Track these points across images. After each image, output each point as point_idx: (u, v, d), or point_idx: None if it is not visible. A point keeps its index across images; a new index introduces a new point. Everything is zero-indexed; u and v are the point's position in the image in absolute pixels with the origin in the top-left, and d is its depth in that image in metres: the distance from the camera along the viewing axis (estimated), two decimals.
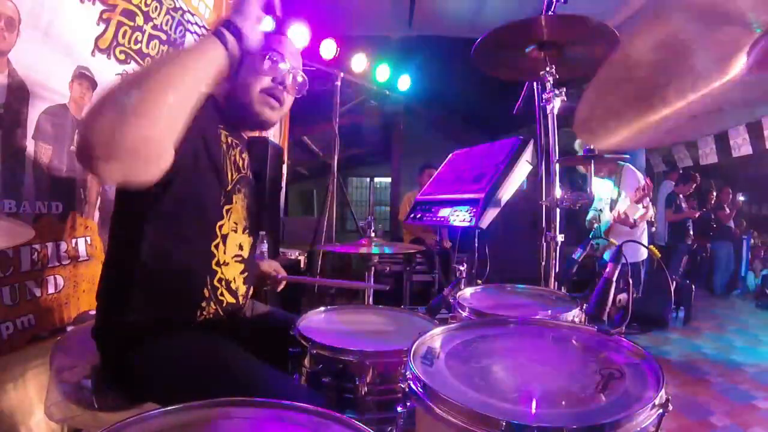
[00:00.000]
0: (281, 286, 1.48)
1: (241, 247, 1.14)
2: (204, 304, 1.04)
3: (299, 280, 1.44)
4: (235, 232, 1.11)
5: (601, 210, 3.50)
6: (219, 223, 1.06)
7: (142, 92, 0.68)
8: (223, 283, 1.08)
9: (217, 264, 1.06)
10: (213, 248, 1.05)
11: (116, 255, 1.05)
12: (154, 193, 0.92)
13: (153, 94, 0.68)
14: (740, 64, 0.51)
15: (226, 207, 1.08)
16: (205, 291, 1.04)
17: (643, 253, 3.37)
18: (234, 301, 1.11)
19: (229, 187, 1.09)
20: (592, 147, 1.70)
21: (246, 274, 1.15)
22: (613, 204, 3.35)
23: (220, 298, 1.07)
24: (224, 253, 1.08)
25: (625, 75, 0.63)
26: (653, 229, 4.18)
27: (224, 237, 1.08)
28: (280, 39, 1.14)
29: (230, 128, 1.13)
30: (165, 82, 0.70)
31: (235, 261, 1.12)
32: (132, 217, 0.99)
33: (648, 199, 3.28)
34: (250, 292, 1.20)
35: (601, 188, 3.43)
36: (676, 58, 0.56)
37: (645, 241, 3.69)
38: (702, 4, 0.50)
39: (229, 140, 1.11)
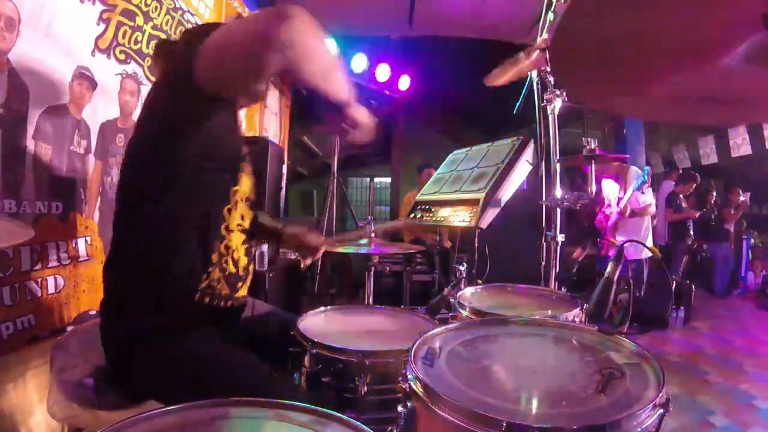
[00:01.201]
0: (320, 253, 1.46)
1: (243, 218, 1.15)
2: (210, 269, 1.05)
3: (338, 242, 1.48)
4: (242, 201, 1.13)
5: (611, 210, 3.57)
6: (234, 189, 1.08)
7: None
8: (229, 250, 1.09)
9: (227, 229, 1.08)
10: (226, 212, 1.07)
11: (128, 220, 1.04)
12: (183, 145, 0.95)
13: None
14: (739, 49, 0.51)
15: (239, 174, 1.11)
16: (214, 256, 1.05)
17: (647, 251, 3.41)
18: (235, 270, 1.11)
19: (242, 155, 1.13)
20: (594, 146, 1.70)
21: (246, 245, 1.16)
22: (619, 201, 3.45)
23: (224, 265, 1.08)
24: (233, 219, 1.10)
25: (621, 30, 0.62)
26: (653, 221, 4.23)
27: (236, 204, 1.10)
28: None
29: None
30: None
31: (239, 230, 1.13)
32: (153, 174, 0.98)
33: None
34: (251, 268, 1.20)
35: (610, 188, 3.52)
36: (673, 29, 0.56)
37: (649, 242, 3.72)
38: None
39: (236, 112, 1.15)
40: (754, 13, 0.48)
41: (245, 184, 1.14)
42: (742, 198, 5.87)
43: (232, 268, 1.10)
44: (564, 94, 1.64)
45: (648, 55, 0.59)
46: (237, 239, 1.12)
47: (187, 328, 1.00)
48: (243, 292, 1.16)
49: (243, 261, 1.14)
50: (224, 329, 1.07)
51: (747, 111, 0.73)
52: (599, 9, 0.58)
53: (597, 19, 0.60)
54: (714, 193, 6.15)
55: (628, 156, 3.45)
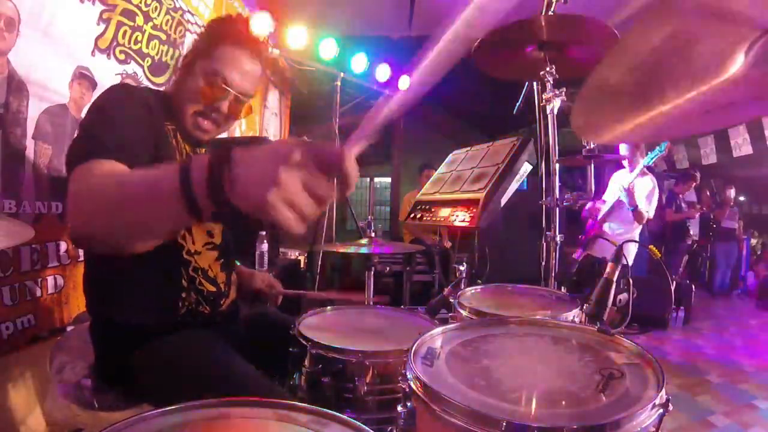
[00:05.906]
0: (278, 301, 1.48)
1: (210, 234, 1.12)
2: (184, 294, 1.04)
3: (295, 294, 1.41)
4: None
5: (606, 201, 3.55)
6: None
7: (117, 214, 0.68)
8: (200, 272, 1.07)
9: (189, 254, 1.05)
10: (180, 239, 1.03)
11: (92, 256, 1.04)
12: None
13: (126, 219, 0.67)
14: (739, 62, 0.51)
15: None
16: (183, 282, 1.04)
17: (632, 255, 3.40)
18: (214, 289, 1.10)
19: None
20: (593, 145, 1.70)
21: (222, 260, 1.14)
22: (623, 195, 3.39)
23: (199, 287, 1.07)
24: (193, 243, 1.06)
25: (624, 71, 0.63)
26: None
27: (188, 227, 1.04)
28: (231, 57, 1.02)
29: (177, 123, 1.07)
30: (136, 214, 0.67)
31: (207, 249, 1.10)
32: None
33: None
34: (233, 278, 1.19)
35: (621, 177, 3.49)
36: (674, 55, 0.56)
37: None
38: (702, 2, 0.50)
39: (178, 135, 1.06)
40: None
41: None
42: (726, 194, 5.94)
43: (210, 287, 1.09)
44: (563, 93, 1.64)
45: (658, 80, 0.59)
46: (207, 258, 1.10)
47: (179, 329, 1.01)
48: (228, 303, 1.16)
49: (221, 277, 1.13)
50: (218, 331, 1.07)
51: (749, 112, 0.73)
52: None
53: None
54: (708, 192, 6.17)
55: (626, 156, 3.45)
